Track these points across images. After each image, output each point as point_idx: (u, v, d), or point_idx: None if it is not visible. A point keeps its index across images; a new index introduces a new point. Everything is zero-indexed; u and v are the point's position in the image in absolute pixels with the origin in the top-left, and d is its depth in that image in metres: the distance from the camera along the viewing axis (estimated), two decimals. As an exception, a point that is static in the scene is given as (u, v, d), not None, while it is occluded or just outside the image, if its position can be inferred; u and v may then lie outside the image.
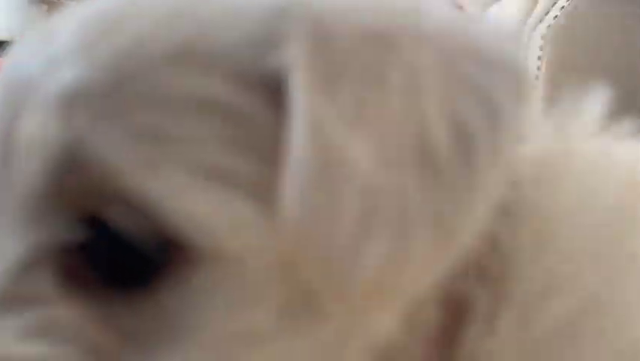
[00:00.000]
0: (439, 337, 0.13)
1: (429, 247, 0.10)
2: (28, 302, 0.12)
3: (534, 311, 0.12)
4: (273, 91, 0.12)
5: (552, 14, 1.22)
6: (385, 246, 0.10)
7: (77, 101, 0.12)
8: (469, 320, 0.13)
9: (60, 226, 0.12)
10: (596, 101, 0.15)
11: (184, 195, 0.11)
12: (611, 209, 0.13)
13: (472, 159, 0.11)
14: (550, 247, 0.13)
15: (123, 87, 0.12)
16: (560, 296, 0.12)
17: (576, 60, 1.21)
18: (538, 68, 1.26)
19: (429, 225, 0.10)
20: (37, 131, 0.12)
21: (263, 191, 0.11)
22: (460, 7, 2.44)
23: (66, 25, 0.13)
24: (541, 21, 1.26)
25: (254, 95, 0.12)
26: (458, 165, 0.10)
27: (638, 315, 0.12)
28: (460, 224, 0.11)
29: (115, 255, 0.12)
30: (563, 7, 1.20)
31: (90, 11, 0.14)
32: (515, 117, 0.11)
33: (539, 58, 1.23)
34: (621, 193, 0.14)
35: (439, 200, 0.10)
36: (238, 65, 0.12)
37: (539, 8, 1.27)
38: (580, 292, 0.12)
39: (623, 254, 0.12)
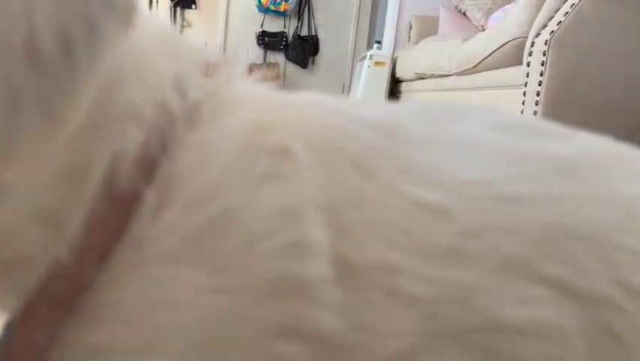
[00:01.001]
0: (108, 224, 0.15)
1: (36, 124, 0.13)
2: None
3: (195, 207, 0.15)
4: None
5: (555, 21, 1.22)
6: (2, 120, 0.13)
7: None
8: (137, 212, 0.15)
9: None
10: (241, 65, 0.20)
11: None
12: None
13: (74, 61, 0.13)
14: (206, 165, 0.15)
15: None
16: (211, 201, 0.15)
17: (580, 66, 1.21)
18: (542, 74, 1.26)
19: (35, 108, 0.13)
20: None
21: None
22: (464, 14, 2.45)
23: None
24: (544, 27, 1.25)
25: None
26: (62, 65, 0.13)
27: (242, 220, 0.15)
28: (63, 109, 0.13)
29: None
30: (566, 14, 1.20)
31: None
32: (110, 32, 0.14)
33: (543, 64, 1.23)
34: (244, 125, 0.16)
35: (45, 91, 0.13)
36: None
37: (542, 15, 1.27)
38: (222, 201, 0.15)
39: (251, 178, 0.15)
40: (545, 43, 1.23)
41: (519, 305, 0.13)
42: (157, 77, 0.17)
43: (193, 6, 3.66)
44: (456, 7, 2.56)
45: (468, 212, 0.13)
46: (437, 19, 2.66)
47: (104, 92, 0.15)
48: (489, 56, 1.55)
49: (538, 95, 1.25)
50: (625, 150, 0.17)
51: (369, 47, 3.38)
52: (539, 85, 1.26)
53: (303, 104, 0.17)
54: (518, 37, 1.37)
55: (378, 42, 2.84)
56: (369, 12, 3.67)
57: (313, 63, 3.74)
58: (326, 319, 0.13)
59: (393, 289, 0.13)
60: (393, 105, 0.18)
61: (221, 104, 0.17)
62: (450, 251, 0.13)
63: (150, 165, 0.15)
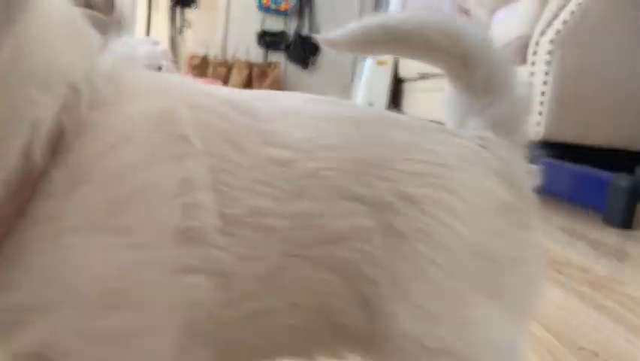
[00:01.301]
0: (18, 196, 0.16)
1: None
2: None
3: (109, 186, 0.17)
4: None
5: (561, 19, 1.21)
6: None
7: None
8: (45, 187, 0.16)
9: None
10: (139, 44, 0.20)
11: None
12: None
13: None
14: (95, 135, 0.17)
15: None
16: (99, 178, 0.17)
17: (585, 65, 1.19)
18: (547, 74, 1.24)
19: None
20: None
21: None
22: (467, 12, 2.43)
23: None
24: (549, 26, 1.24)
25: None
26: None
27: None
28: None
29: None
30: (572, 12, 1.18)
31: None
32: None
33: (548, 63, 1.22)
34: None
35: None
36: None
37: (548, 13, 1.26)
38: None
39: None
40: (551, 42, 1.22)
41: (342, 218, 0.19)
42: (65, 56, 0.18)
43: (193, 5, 3.65)
44: (459, 6, 2.55)
45: (305, 160, 0.19)
46: (439, 18, 2.64)
47: (17, 58, 0.16)
48: (492, 55, 1.54)
49: (543, 94, 1.24)
50: (388, 112, 0.23)
51: (371, 46, 3.34)
52: (544, 84, 1.24)
53: (182, 89, 0.20)
54: (523, 36, 1.35)
55: (380, 41, 2.82)
56: (372, 11, 3.65)
57: (314, 63, 3.73)
58: (218, 256, 0.17)
59: (260, 227, 0.18)
60: (232, 88, 0.22)
61: (120, 90, 0.18)
62: (296, 190, 0.19)
63: (58, 140, 0.16)
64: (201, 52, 3.48)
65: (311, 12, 3.72)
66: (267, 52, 3.69)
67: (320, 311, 0.19)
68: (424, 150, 0.20)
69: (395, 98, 2.84)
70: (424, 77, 2.29)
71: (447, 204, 0.19)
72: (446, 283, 0.19)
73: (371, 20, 0.23)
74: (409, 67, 2.47)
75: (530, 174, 0.22)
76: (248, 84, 3.46)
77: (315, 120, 0.20)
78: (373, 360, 0.20)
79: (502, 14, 2.16)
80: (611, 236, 0.85)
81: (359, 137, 0.20)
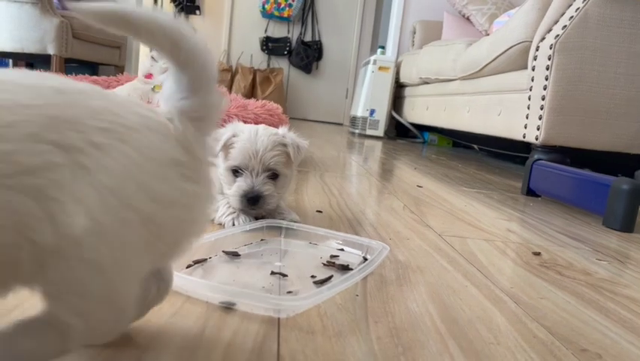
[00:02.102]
0: None
1: None
2: None
3: None
4: None
5: (560, 25, 1.21)
6: None
7: None
8: None
9: None
10: None
11: None
12: None
13: None
14: None
15: None
16: None
17: (585, 70, 1.20)
18: (547, 78, 1.25)
19: None
20: None
21: None
22: (467, 18, 2.43)
23: None
24: (549, 31, 1.25)
25: None
26: None
27: None
28: None
29: None
30: (571, 17, 1.19)
31: None
32: None
33: (548, 68, 1.23)
34: None
35: None
36: None
37: (547, 18, 1.27)
38: None
39: None
40: (550, 48, 1.22)
41: (37, 156, 0.25)
42: None
43: (197, 12, 3.68)
44: (459, 12, 2.56)
45: (5, 114, 0.25)
46: (441, 24, 2.65)
47: None
48: (494, 60, 1.54)
49: (543, 99, 1.24)
50: (98, 88, 0.29)
51: (373, 51, 3.37)
52: (544, 89, 1.25)
53: None
54: (523, 42, 1.36)
55: (382, 47, 2.84)
56: (373, 17, 3.67)
57: (317, 68, 3.74)
58: None
59: None
60: None
61: None
62: None
63: None
64: (205, 58, 3.50)
65: (313, 19, 3.74)
66: (269, 58, 3.70)
67: (17, 230, 0.24)
68: (112, 113, 0.28)
69: (396, 103, 2.84)
70: (425, 81, 2.30)
71: (122, 151, 0.27)
72: (113, 201, 0.26)
73: (117, 7, 0.29)
74: (410, 72, 2.48)
75: (208, 149, 0.32)
76: (252, 89, 3.47)
77: (20, 87, 0.26)
78: (52, 282, 0.26)
79: (502, 20, 2.16)
80: (612, 239, 0.85)
81: (57, 101, 0.26)
